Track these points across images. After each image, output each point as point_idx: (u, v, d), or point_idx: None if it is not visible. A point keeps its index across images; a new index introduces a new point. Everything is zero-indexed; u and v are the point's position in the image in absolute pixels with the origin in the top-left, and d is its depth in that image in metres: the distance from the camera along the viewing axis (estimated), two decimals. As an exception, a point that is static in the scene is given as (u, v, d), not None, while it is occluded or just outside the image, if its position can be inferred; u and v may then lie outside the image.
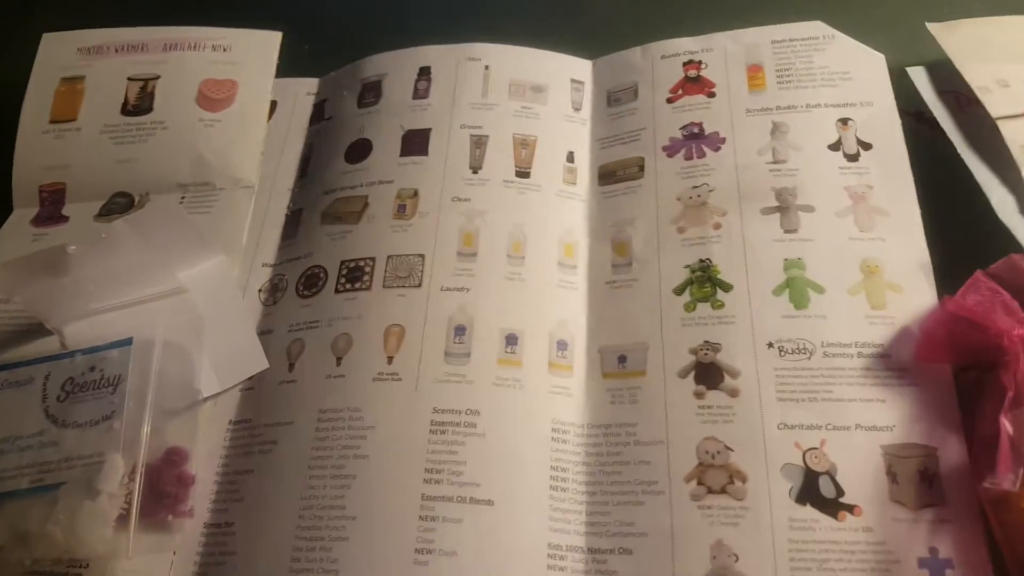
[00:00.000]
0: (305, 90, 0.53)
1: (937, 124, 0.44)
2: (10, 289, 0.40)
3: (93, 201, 0.48)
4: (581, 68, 0.51)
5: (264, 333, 0.43)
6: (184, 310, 0.42)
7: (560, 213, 0.45)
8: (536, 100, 0.49)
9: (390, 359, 0.41)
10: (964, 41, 0.45)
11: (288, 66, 0.53)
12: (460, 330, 0.41)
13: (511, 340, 0.41)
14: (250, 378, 0.42)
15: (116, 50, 0.53)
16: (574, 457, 0.38)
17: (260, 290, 0.45)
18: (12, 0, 0.64)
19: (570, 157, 0.47)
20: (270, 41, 0.53)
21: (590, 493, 0.38)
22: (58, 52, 0.53)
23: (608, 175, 0.46)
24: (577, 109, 0.49)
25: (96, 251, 0.39)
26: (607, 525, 0.37)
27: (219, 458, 0.40)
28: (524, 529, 0.36)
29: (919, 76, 0.46)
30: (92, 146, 0.50)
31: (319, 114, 0.52)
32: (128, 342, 0.41)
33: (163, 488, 0.38)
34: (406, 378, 0.40)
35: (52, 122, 0.50)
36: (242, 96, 0.51)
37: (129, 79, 0.51)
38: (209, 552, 0.38)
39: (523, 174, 0.46)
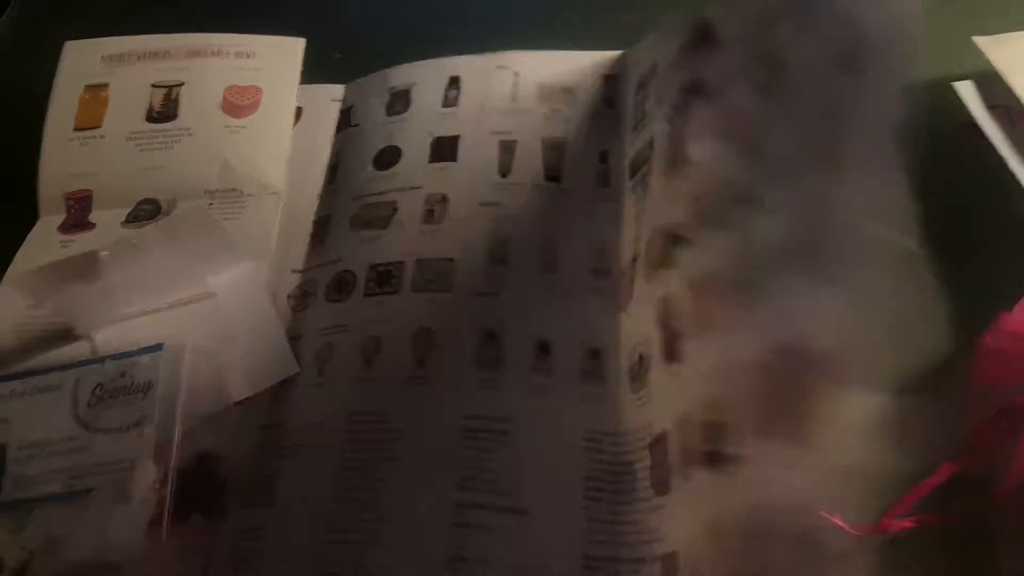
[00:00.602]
0: (330, 96, 0.55)
1: (985, 138, 0.44)
2: (41, 295, 0.42)
3: (120, 208, 0.50)
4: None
5: (294, 338, 0.45)
6: (214, 315, 0.44)
7: (593, 216, 0.47)
8: (567, 102, 0.50)
9: (420, 363, 0.42)
10: (1015, 54, 0.46)
11: (313, 72, 0.55)
12: (491, 335, 0.42)
13: (543, 347, 0.42)
14: (281, 382, 0.43)
15: (139, 57, 0.55)
16: (609, 466, 0.40)
17: (289, 296, 0.46)
18: (34, 10, 0.66)
19: (603, 158, 0.49)
20: (293, 48, 0.55)
21: (626, 503, 0.39)
22: (81, 60, 0.55)
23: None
24: (610, 106, 0.51)
25: (127, 257, 0.41)
26: (643, 535, 0.38)
27: (250, 462, 0.42)
28: (559, 538, 0.37)
29: (967, 90, 0.47)
30: (118, 153, 0.52)
31: (346, 121, 0.53)
32: (158, 347, 0.43)
33: (194, 493, 0.40)
34: (436, 383, 0.41)
35: (77, 129, 0.52)
36: (267, 102, 0.53)
37: (153, 86, 0.53)
38: (241, 556, 0.39)
39: (552, 177, 0.47)
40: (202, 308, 0.44)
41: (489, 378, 0.41)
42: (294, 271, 0.48)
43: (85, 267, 0.41)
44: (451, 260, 0.45)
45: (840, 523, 0.36)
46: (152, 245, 0.41)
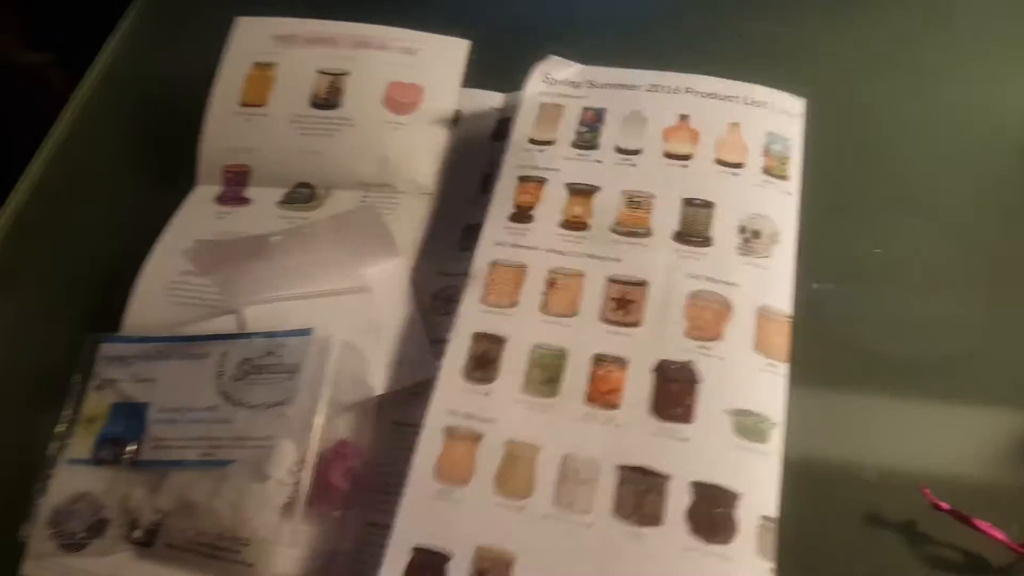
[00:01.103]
0: (489, 103, 0.56)
1: None
2: (207, 267, 0.44)
3: (276, 187, 0.53)
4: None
5: (436, 342, 0.46)
6: (364, 309, 0.46)
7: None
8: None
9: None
10: None
11: (473, 77, 0.57)
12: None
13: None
14: (419, 383, 0.44)
15: (307, 41, 0.57)
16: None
17: (434, 297, 0.48)
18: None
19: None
20: (457, 49, 0.57)
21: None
22: (252, 37, 0.57)
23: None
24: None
25: (294, 243, 0.43)
26: None
27: (385, 457, 0.43)
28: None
29: None
30: (279, 133, 0.54)
31: (503, 131, 0.55)
32: (307, 332, 0.44)
33: (331, 481, 0.41)
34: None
35: (242, 105, 0.55)
36: (427, 102, 0.55)
37: (319, 72, 0.56)
38: (371, 551, 0.40)
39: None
40: (354, 300, 0.46)
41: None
42: (440, 273, 0.49)
43: (253, 247, 0.43)
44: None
45: (1004, 538, 0.37)
46: (321, 235, 0.43)
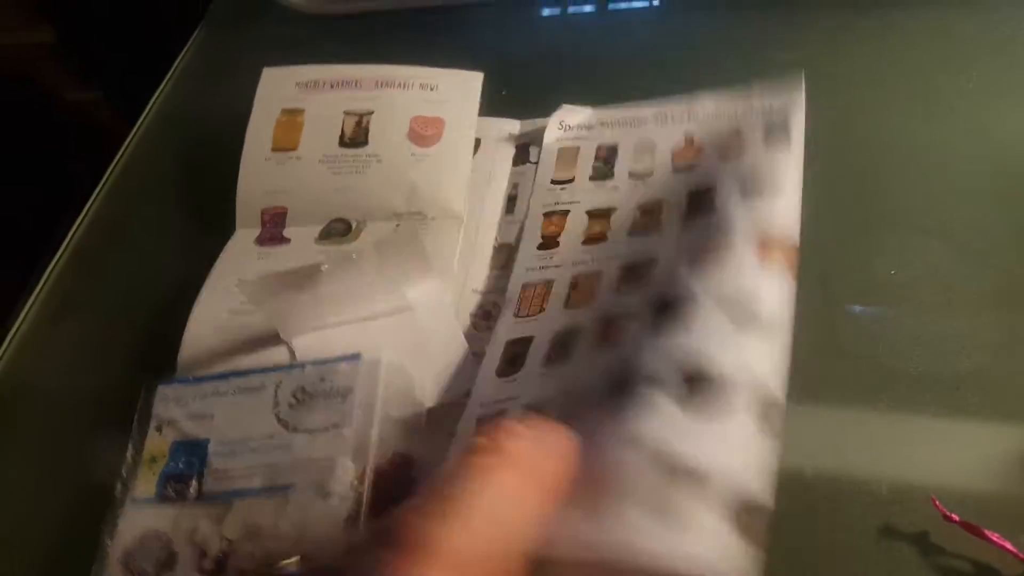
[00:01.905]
0: (508, 131, 0.60)
1: None
2: (261, 300, 0.47)
3: (313, 225, 0.56)
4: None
5: (475, 354, 0.49)
6: (408, 328, 0.49)
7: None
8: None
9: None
10: None
11: (488, 106, 0.60)
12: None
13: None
14: (466, 393, 0.47)
15: (332, 86, 0.61)
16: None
17: (471, 314, 0.51)
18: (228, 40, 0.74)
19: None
20: (472, 81, 0.61)
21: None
22: (278, 86, 0.61)
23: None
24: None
25: (344, 270, 0.46)
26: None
27: (439, 468, 0.45)
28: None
29: None
30: (312, 174, 0.57)
31: (523, 155, 0.59)
32: (356, 357, 0.47)
33: (389, 492, 0.44)
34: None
35: (274, 150, 0.59)
36: (449, 133, 0.58)
37: (345, 113, 0.59)
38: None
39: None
40: (398, 321, 0.49)
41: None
42: (474, 291, 0.52)
43: (306, 277, 0.46)
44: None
45: (1013, 549, 0.38)
46: (365, 260, 0.46)
